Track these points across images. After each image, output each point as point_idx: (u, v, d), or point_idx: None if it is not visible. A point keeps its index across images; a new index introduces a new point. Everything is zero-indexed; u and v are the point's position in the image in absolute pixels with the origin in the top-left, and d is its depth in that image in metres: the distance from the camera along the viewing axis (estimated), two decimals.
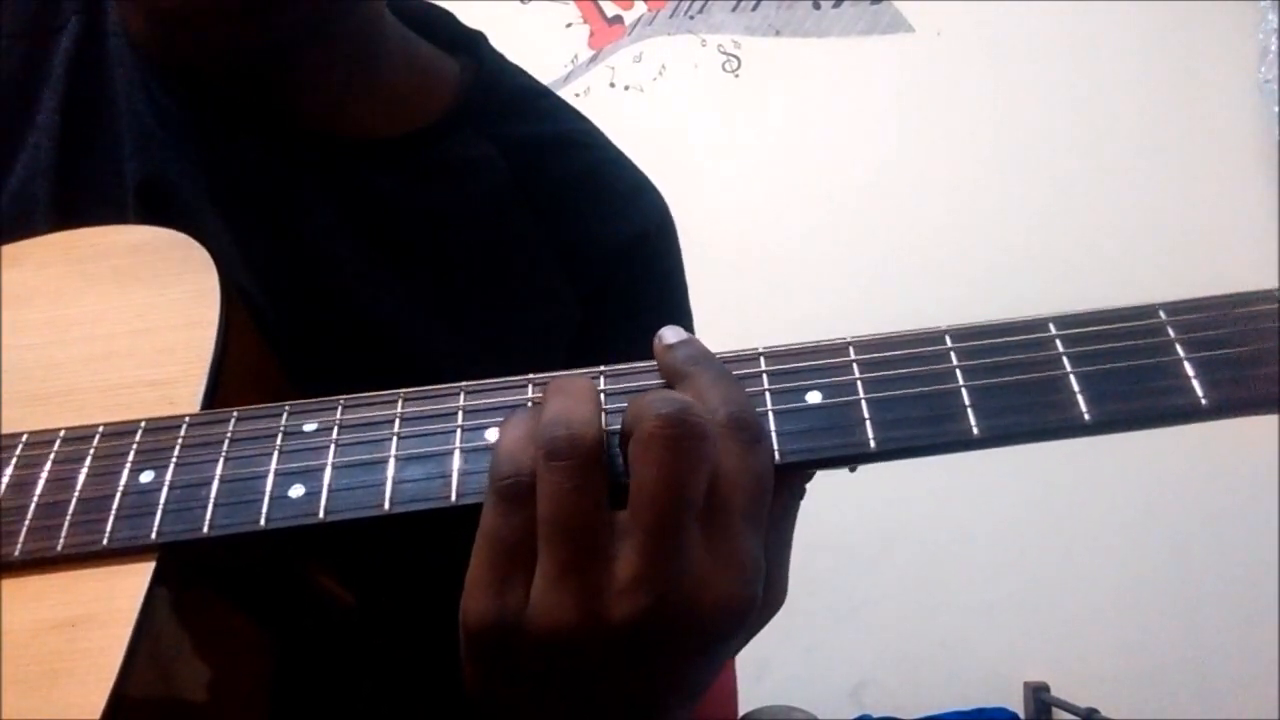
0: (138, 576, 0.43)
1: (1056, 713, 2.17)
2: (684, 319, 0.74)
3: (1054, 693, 2.18)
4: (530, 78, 0.76)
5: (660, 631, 0.40)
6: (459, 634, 0.43)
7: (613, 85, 2.33)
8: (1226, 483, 2.20)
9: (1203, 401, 0.41)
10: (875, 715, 2.21)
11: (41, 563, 0.44)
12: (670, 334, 0.45)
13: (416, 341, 0.62)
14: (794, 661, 2.22)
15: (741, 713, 1.85)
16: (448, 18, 0.75)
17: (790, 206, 2.29)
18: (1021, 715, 2.20)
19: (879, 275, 2.23)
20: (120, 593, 0.43)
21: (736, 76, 2.34)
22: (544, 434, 0.40)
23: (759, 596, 0.41)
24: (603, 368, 0.46)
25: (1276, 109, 2.26)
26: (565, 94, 2.32)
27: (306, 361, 0.59)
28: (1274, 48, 2.26)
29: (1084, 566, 2.24)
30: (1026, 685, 2.22)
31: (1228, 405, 0.41)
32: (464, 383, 0.46)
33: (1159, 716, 2.15)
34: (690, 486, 0.39)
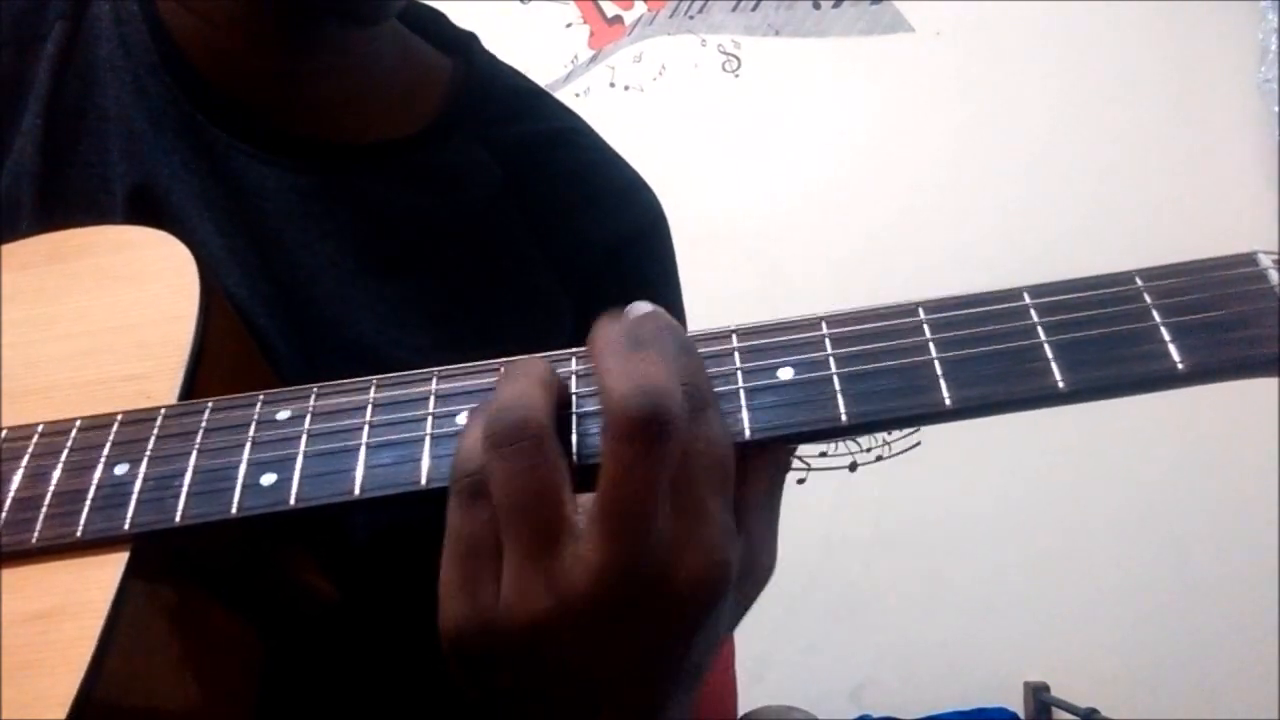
0: (110, 567, 0.43)
1: (1056, 713, 2.17)
2: (678, 316, 0.74)
3: (1054, 693, 2.18)
4: (522, 77, 0.76)
5: (635, 607, 0.39)
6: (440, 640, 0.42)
7: (613, 85, 2.33)
8: (1226, 483, 2.20)
9: (1179, 366, 0.40)
10: (875, 715, 2.21)
11: (17, 556, 0.44)
12: (640, 306, 0.45)
13: (406, 349, 0.62)
14: (794, 661, 2.22)
15: (741, 713, 1.86)
16: (440, 18, 0.75)
17: (790, 206, 2.29)
18: (1021, 715, 2.20)
19: (879, 274, 2.23)
20: (92, 584, 0.43)
21: (736, 76, 2.34)
22: (491, 424, 0.40)
23: (732, 564, 0.40)
24: (575, 349, 0.45)
25: (1276, 109, 2.25)
26: (565, 94, 2.33)
27: (297, 367, 0.59)
28: (1274, 48, 2.25)
29: (1084, 566, 2.24)
30: (1026, 685, 2.22)
31: (1205, 370, 0.40)
32: (436, 368, 0.46)
33: (1159, 716, 2.15)
34: (659, 474, 0.39)
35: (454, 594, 0.41)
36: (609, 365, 0.41)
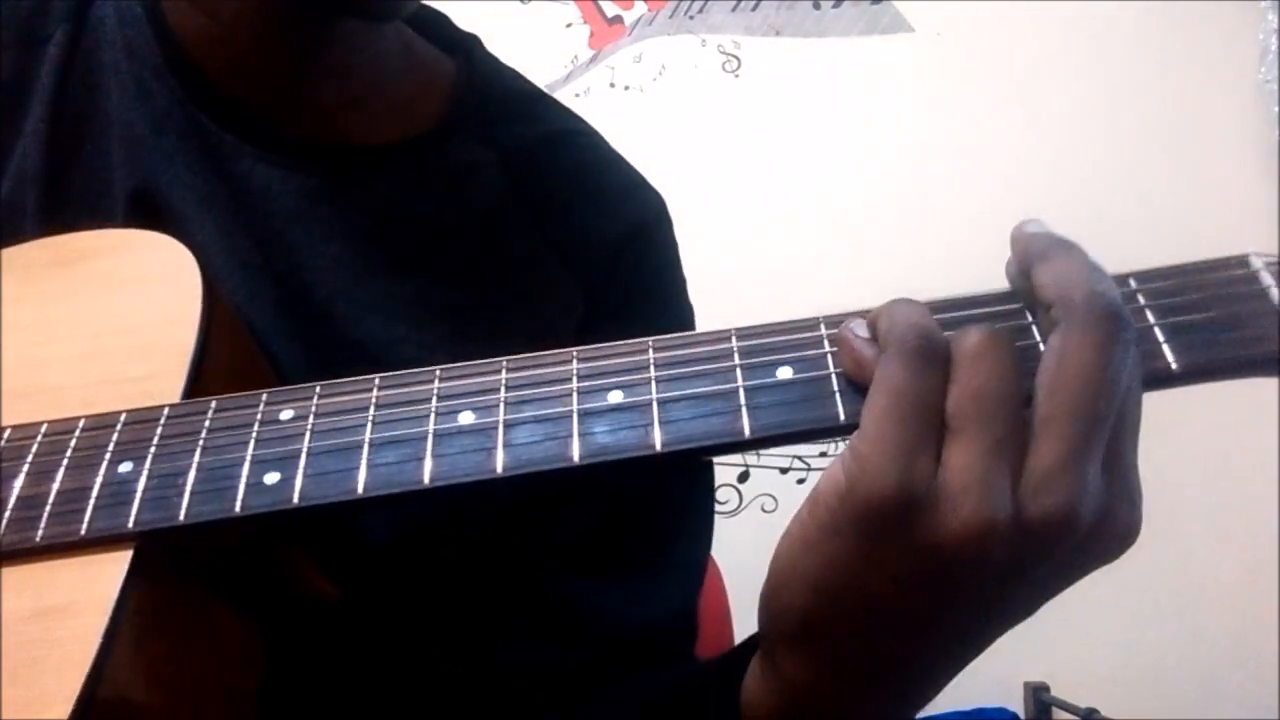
0: (114, 566, 0.43)
1: (1056, 713, 2.17)
2: (683, 313, 0.75)
3: (1054, 693, 2.18)
4: (525, 80, 0.76)
5: (1062, 537, 0.39)
6: (804, 515, 0.41)
7: (613, 85, 2.33)
8: (1226, 483, 2.20)
9: (1173, 367, 0.41)
10: None
11: (21, 554, 0.45)
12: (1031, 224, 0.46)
13: (412, 349, 0.62)
14: None
15: None
16: (443, 19, 0.75)
17: (789, 207, 2.29)
18: (1021, 715, 2.20)
19: (879, 275, 2.23)
20: (97, 581, 0.43)
21: (736, 76, 2.34)
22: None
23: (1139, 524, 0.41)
24: (574, 349, 0.46)
25: (1276, 109, 2.25)
26: (565, 94, 2.32)
27: (299, 369, 0.59)
28: (1274, 48, 2.25)
29: None
30: (1026, 685, 2.21)
31: (1198, 370, 0.41)
32: (438, 366, 0.46)
33: (1159, 716, 2.15)
34: (1123, 376, 0.39)
35: (887, 453, 0.38)
36: (1065, 262, 0.41)
